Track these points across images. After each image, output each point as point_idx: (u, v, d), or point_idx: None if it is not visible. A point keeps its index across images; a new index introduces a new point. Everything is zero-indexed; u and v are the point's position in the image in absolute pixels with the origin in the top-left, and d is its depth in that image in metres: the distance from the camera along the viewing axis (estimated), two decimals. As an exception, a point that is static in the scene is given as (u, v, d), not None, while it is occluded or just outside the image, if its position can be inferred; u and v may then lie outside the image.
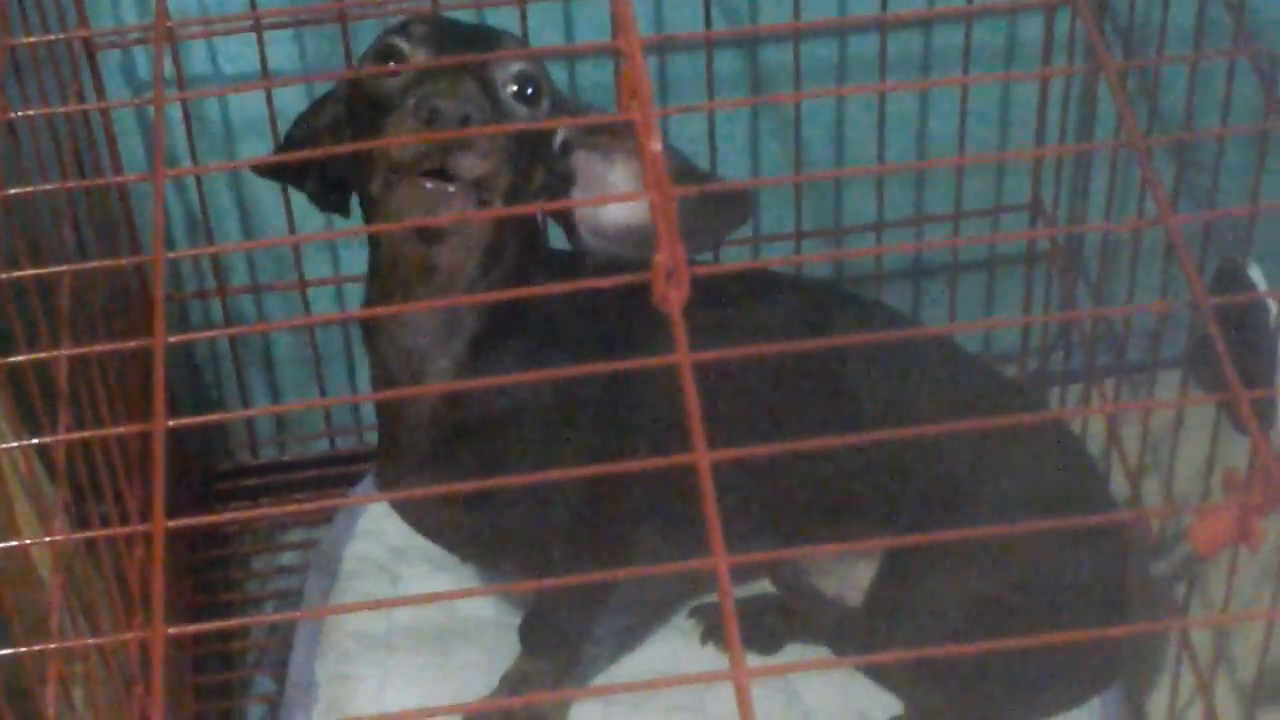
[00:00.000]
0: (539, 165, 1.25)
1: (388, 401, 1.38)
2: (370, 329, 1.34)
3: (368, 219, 1.27)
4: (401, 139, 1.17)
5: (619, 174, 1.28)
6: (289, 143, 1.33)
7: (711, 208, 1.24)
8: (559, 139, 1.27)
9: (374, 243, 1.30)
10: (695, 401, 0.77)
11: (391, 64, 1.21)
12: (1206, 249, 1.53)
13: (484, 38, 1.26)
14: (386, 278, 1.29)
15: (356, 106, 1.25)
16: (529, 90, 1.22)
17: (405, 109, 1.17)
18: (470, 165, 1.17)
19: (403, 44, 1.22)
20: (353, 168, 1.25)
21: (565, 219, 1.28)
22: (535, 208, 1.26)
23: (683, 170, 1.25)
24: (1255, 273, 1.52)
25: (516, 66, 1.22)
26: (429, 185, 1.17)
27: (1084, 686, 1.50)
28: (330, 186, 1.33)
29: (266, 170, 1.38)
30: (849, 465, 1.43)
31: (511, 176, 1.20)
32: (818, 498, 1.45)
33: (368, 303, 1.34)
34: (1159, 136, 1.67)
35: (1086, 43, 1.65)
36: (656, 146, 0.82)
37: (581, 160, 1.28)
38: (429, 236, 1.24)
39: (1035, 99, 1.69)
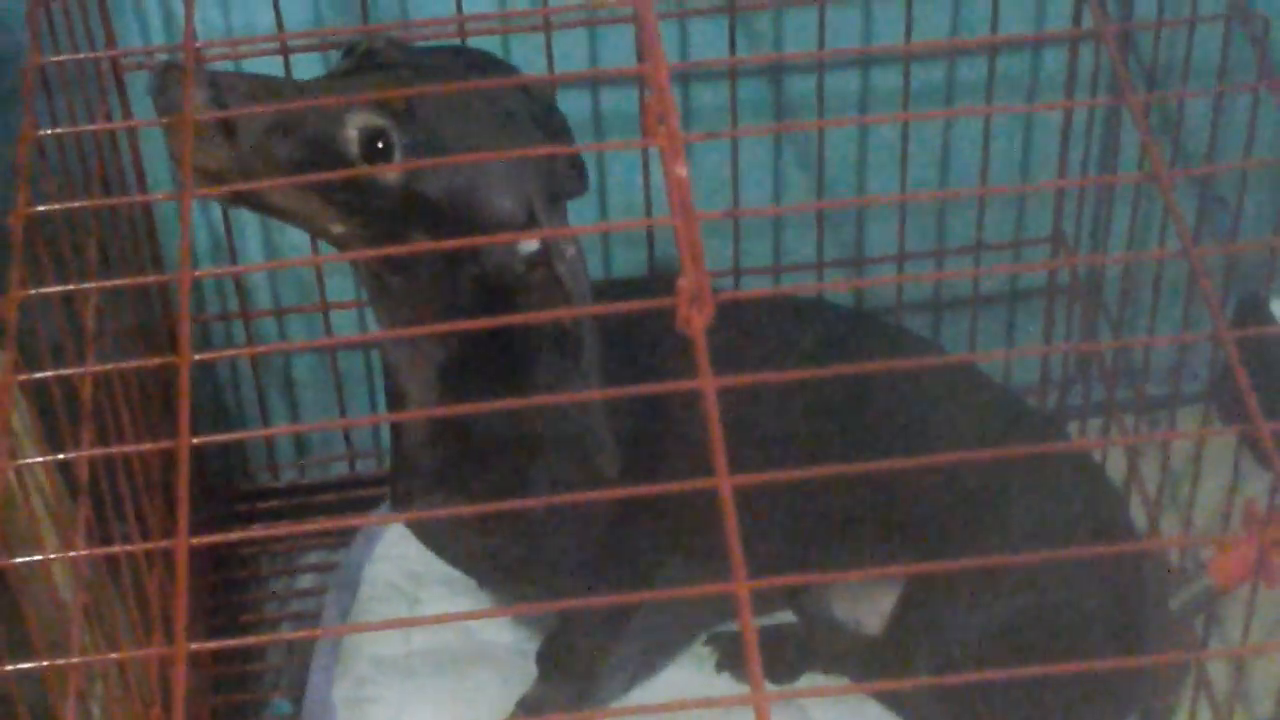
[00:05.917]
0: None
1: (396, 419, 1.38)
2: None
3: None
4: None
5: None
6: None
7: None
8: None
9: None
10: (718, 426, 0.77)
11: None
12: (1229, 285, 1.53)
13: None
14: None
15: None
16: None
17: None
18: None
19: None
20: None
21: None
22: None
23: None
24: (1277, 308, 1.52)
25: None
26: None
27: (1101, 718, 1.49)
28: None
29: None
30: (871, 491, 1.43)
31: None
32: (839, 522, 1.45)
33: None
34: (1182, 170, 1.67)
35: (1109, 75, 1.65)
36: (683, 172, 0.82)
37: None
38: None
39: (1058, 131, 1.69)
